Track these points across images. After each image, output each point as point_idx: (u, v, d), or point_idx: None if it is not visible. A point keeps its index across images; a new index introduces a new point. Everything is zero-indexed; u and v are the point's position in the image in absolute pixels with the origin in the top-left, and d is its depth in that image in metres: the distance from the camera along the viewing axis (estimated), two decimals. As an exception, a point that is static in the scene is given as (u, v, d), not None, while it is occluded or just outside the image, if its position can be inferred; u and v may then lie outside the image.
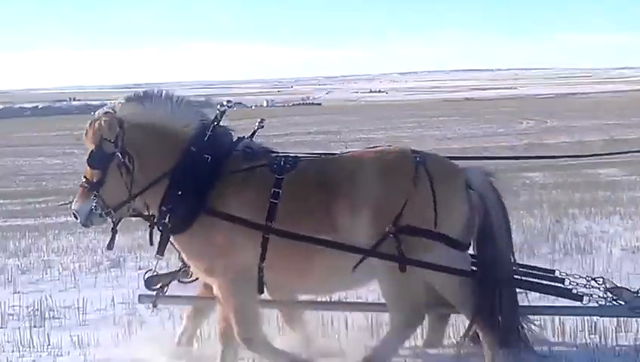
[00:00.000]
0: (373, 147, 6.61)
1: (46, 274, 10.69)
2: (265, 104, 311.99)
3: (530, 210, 14.85)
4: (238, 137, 6.64)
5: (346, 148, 7.39)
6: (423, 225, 6.02)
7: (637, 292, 6.35)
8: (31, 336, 7.69)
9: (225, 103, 6.69)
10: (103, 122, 6.40)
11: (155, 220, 6.42)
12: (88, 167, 6.49)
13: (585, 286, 6.50)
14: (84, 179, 6.52)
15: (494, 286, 6.15)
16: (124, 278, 10.04)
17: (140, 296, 7.32)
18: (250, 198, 6.23)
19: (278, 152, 6.60)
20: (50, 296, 8.97)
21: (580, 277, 6.66)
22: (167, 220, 6.30)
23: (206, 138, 6.36)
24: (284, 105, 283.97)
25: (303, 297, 7.11)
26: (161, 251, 6.44)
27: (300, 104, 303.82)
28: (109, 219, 6.52)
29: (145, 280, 7.12)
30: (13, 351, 7.44)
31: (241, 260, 6.30)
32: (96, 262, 11.30)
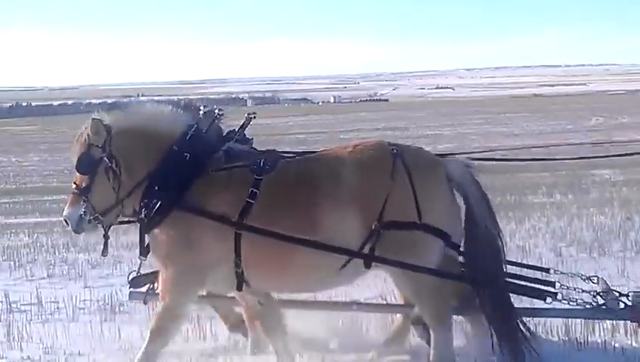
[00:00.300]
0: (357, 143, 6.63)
1: (116, 269, 10.83)
2: (332, 100, 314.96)
3: (601, 207, 14.74)
4: (228, 131, 6.99)
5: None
6: (407, 219, 6.04)
7: (622, 295, 6.41)
8: (102, 330, 7.86)
9: (204, 106, 7.00)
10: (90, 128, 6.58)
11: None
12: (77, 173, 6.63)
13: (575, 289, 6.54)
14: (73, 186, 6.65)
15: (482, 284, 6.22)
16: None
17: (130, 292, 7.45)
18: (227, 197, 6.31)
19: (260, 151, 6.74)
20: (120, 291, 9.05)
21: (575, 275, 6.81)
22: (143, 215, 6.41)
23: (188, 138, 6.52)
24: (350, 102, 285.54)
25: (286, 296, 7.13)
26: (143, 251, 6.56)
27: (366, 100, 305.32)
28: (100, 227, 6.63)
29: (129, 281, 7.29)
30: (84, 345, 7.59)
31: (209, 257, 6.36)
32: None
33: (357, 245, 6.13)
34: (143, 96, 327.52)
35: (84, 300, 9.31)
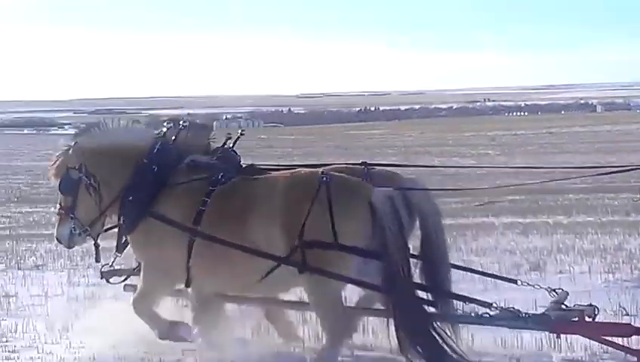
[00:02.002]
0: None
1: (466, 274, 10.01)
2: None
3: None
4: (216, 148, 7.76)
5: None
6: (324, 239, 6.82)
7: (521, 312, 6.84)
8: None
9: (167, 122, 7.94)
10: (69, 152, 7.67)
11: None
12: (61, 195, 7.71)
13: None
14: (58, 207, 7.75)
15: (391, 298, 6.87)
16: (544, 281, 9.30)
17: (125, 285, 8.22)
18: (185, 205, 7.30)
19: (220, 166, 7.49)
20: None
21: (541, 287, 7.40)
22: (121, 222, 7.57)
23: (155, 151, 7.47)
24: None
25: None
26: (119, 249, 7.75)
27: None
28: (90, 237, 7.76)
29: (102, 273, 8.09)
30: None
31: (170, 258, 7.39)
32: (516, 263, 11.31)
33: (282, 253, 6.96)
34: (490, 101, 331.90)
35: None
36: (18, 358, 7.47)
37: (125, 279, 8.19)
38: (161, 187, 7.45)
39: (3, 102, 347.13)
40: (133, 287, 7.94)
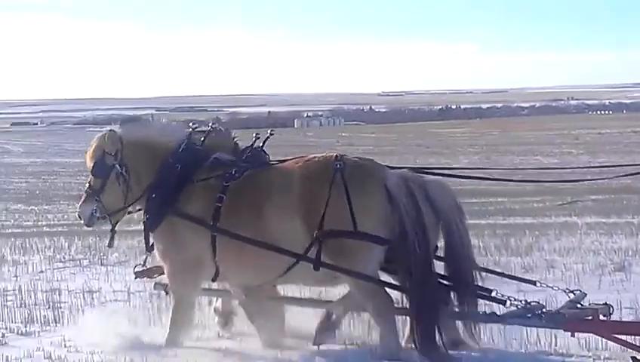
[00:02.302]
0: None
1: (549, 273, 10.55)
2: None
3: None
4: (244, 148, 7.82)
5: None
6: (344, 228, 6.83)
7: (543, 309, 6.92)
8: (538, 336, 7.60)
9: (192, 123, 8.22)
10: (106, 138, 7.87)
11: None
12: (92, 176, 7.95)
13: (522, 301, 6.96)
14: (87, 186, 7.99)
15: (410, 287, 6.84)
16: (629, 282, 9.54)
17: (155, 284, 8.41)
18: (205, 201, 7.46)
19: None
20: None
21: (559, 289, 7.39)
22: (145, 219, 7.74)
23: (180, 150, 7.66)
24: None
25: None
26: (148, 248, 7.86)
27: None
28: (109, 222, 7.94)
29: (135, 272, 8.27)
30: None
31: (194, 254, 7.54)
32: (600, 264, 11.13)
33: (302, 249, 6.97)
34: (573, 99, 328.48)
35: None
36: (102, 352, 7.58)
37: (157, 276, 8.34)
38: (184, 185, 7.61)
39: (86, 100, 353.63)
40: (163, 286, 8.17)
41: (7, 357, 7.55)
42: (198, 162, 7.69)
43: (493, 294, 7.10)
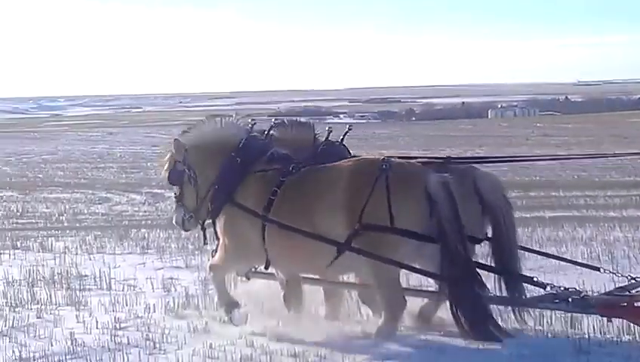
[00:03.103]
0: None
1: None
2: None
3: None
4: (328, 140, 8.80)
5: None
6: (381, 223, 7.53)
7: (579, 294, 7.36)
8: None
9: (252, 119, 9.00)
10: (173, 148, 8.79)
11: None
12: (170, 184, 9.00)
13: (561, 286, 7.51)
14: (173, 195, 9.06)
15: (447, 279, 7.51)
16: None
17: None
18: (258, 193, 8.28)
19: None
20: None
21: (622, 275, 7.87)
22: (210, 209, 8.68)
23: (241, 145, 8.52)
24: None
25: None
26: (216, 236, 8.79)
27: None
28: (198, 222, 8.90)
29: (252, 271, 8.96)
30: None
31: (246, 241, 8.37)
32: None
33: (343, 240, 7.69)
34: None
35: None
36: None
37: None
38: (243, 177, 8.42)
39: (280, 92, 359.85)
40: (257, 274, 8.95)
41: (210, 344, 8.02)
42: (257, 156, 8.50)
43: (534, 279, 7.70)
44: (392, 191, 7.57)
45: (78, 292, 10.40)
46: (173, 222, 9.10)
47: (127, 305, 9.54)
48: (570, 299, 7.34)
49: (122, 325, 8.93)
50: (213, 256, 8.90)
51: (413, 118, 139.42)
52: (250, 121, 8.98)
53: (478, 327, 7.46)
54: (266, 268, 8.52)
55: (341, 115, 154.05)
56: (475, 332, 7.46)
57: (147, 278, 11.14)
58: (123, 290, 9.49)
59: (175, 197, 9.00)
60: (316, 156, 8.48)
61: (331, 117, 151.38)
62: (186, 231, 9.32)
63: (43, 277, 11.63)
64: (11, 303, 10.13)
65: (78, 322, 9.13)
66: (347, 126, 9.14)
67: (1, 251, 14.66)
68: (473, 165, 8.39)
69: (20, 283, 11.33)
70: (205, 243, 9.21)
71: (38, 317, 9.45)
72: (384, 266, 7.67)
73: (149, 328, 8.76)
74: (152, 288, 10.68)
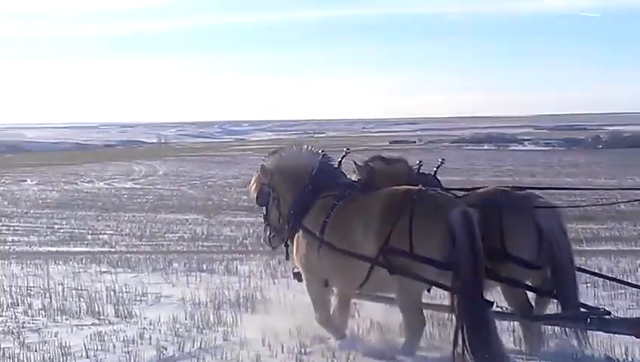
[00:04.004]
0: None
1: None
2: None
3: None
4: (421, 173, 9.76)
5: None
6: (403, 248, 8.29)
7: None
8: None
9: (322, 150, 9.71)
10: (261, 172, 9.74)
11: None
12: (258, 205, 9.92)
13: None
14: (262, 216, 9.92)
15: (461, 304, 8.10)
16: None
17: (293, 274, 9.94)
18: (318, 217, 9.11)
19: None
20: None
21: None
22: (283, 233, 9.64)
23: (313, 173, 9.38)
24: None
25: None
26: (287, 255, 9.76)
27: None
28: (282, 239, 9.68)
29: (293, 273, 9.92)
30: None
31: (310, 261, 9.19)
32: None
33: (373, 256, 8.51)
34: None
35: None
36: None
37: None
38: (312, 203, 9.24)
39: (464, 119, 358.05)
40: (298, 276, 9.67)
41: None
42: (325, 183, 9.32)
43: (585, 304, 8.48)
44: (415, 221, 8.30)
45: (263, 315, 10.61)
46: (262, 239, 10.04)
47: (312, 330, 9.65)
48: (599, 318, 8.06)
49: (308, 350, 9.10)
50: (294, 272, 9.84)
51: (600, 146, 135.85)
52: (320, 151, 9.71)
53: (480, 353, 7.95)
54: (326, 286, 9.28)
55: (525, 143, 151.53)
56: (476, 357, 7.95)
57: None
58: (308, 315, 9.52)
59: (263, 216, 9.85)
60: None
61: (515, 144, 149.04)
62: (273, 248, 9.96)
63: (229, 300, 11.99)
64: (198, 325, 10.46)
65: (263, 346, 9.32)
66: (440, 160, 10.19)
67: (188, 273, 15.16)
68: (534, 193, 9.03)
69: (206, 305, 11.71)
70: (287, 259, 9.86)
71: (224, 340, 9.73)
72: (407, 290, 8.53)
73: (334, 354, 8.88)
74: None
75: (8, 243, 29.90)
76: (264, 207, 9.78)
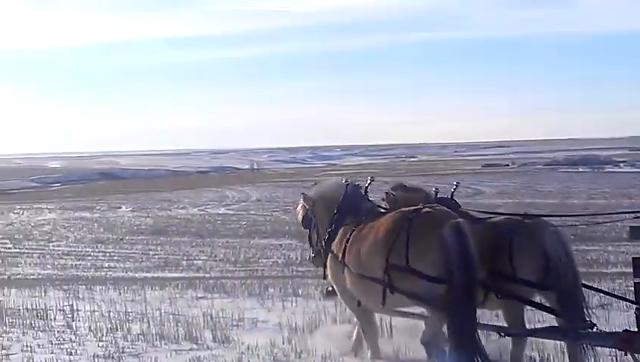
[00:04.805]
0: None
1: None
2: None
3: None
4: (440, 198, 10.33)
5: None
6: (400, 263, 8.97)
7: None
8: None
9: (346, 180, 10.84)
10: (304, 200, 10.93)
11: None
12: (303, 228, 11.09)
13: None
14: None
15: (449, 310, 8.75)
16: None
17: (326, 292, 10.95)
18: (343, 241, 9.99)
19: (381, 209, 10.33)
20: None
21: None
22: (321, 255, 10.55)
23: (341, 200, 10.42)
24: None
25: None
26: (325, 276, 10.54)
27: None
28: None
29: (326, 291, 10.96)
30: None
31: (341, 283, 10.04)
32: None
33: (381, 276, 9.21)
34: None
35: None
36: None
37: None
38: (339, 228, 10.20)
39: (557, 141, 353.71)
40: (332, 294, 10.62)
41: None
42: (349, 211, 10.29)
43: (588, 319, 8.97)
44: (411, 238, 8.93)
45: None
46: (308, 259, 11.39)
47: (413, 353, 9.78)
48: (587, 331, 8.72)
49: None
50: (327, 290, 10.84)
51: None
52: (343, 181, 10.82)
53: (462, 350, 8.62)
54: (358, 305, 9.94)
55: (621, 164, 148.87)
56: (457, 353, 8.64)
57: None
58: (409, 337, 9.87)
59: (308, 238, 10.91)
60: None
61: (610, 166, 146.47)
62: (317, 266, 10.85)
63: (325, 325, 11.99)
64: (296, 350, 10.50)
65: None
66: (454, 183, 10.82)
67: (284, 298, 15.21)
68: (545, 220, 9.56)
69: (303, 331, 11.76)
70: (325, 278, 10.57)
71: (323, 365, 9.71)
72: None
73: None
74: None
75: (105, 269, 30.50)
76: (308, 231, 10.87)
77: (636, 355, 8.29)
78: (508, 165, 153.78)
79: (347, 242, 9.83)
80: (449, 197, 10.36)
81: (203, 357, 10.35)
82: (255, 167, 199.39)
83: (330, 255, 10.19)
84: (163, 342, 11.44)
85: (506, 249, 9.05)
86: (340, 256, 9.88)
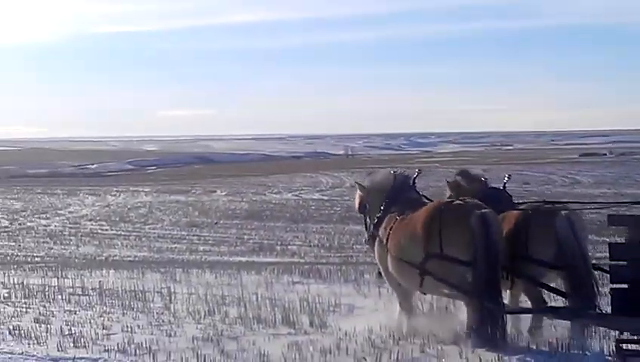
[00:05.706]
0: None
1: None
2: None
3: None
4: (493, 187, 11.35)
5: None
6: (435, 251, 9.90)
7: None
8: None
9: (394, 171, 11.78)
10: (360, 188, 11.95)
11: None
12: (359, 214, 12.13)
13: None
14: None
15: (478, 297, 9.62)
16: None
17: (376, 275, 11.82)
18: (386, 228, 10.90)
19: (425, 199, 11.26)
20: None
21: None
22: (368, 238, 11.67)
23: (390, 189, 11.35)
24: None
25: None
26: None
27: None
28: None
29: (378, 273, 11.53)
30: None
31: (385, 265, 10.96)
32: None
33: (419, 263, 10.11)
34: None
35: None
36: None
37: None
38: (386, 215, 11.07)
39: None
40: (380, 276, 11.45)
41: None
42: (397, 200, 11.16)
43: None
44: (443, 227, 9.88)
45: (458, 326, 10.42)
46: (364, 240, 12.36)
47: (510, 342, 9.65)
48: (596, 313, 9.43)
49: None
50: (378, 271, 11.50)
51: None
52: (392, 171, 11.74)
53: (482, 331, 9.52)
54: (399, 285, 10.98)
55: None
56: (477, 333, 9.56)
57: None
58: (509, 326, 9.75)
59: (364, 223, 11.84)
60: (483, 199, 10.37)
61: None
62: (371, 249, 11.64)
63: (422, 312, 11.86)
64: (394, 336, 10.47)
65: (461, 358, 9.29)
66: (506, 175, 11.73)
67: (380, 285, 15.04)
68: (567, 206, 10.63)
69: (400, 317, 11.52)
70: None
71: (421, 352, 9.72)
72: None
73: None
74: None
75: (200, 253, 30.89)
76: (363, 216, 11.83)
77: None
78: (605, 154, 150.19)
79: (391, 229, 10.71)
80: (501, 188, 11.29)
81: (301, 341, 10.38)
82: (349, 152, 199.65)
83: (377, 239, 11.12)
84: (261, 326, 11.51)
85: (524, 234, 10.01)
86: (385, 241, 10.81)
